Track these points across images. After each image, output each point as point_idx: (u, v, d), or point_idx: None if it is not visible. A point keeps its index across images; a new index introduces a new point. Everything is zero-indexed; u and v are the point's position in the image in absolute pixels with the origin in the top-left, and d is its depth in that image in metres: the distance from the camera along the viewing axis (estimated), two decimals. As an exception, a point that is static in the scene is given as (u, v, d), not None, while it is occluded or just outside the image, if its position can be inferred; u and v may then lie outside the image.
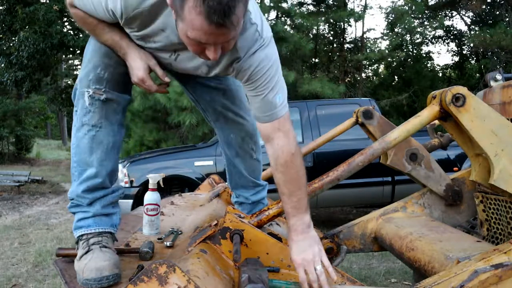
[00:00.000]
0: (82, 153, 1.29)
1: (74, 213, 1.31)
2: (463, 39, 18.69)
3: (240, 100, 1.62)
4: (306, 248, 1.14)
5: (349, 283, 1.09)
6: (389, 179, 5.23)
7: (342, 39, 17.38)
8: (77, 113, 1.32)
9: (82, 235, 1.25)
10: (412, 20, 17.18)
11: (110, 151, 1.32)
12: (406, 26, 17.12)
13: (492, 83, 1.95)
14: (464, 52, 19.39)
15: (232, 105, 1.58)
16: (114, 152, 1.34)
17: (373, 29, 40.45)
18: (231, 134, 1.62)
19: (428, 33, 19.44)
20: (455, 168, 4.85)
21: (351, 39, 18.03)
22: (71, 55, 18.74)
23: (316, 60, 16.68)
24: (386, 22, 19.89)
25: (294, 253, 1.16)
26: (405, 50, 18.71)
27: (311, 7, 15.61)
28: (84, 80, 1.30)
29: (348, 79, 15.95)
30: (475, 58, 18.62)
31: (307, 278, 1.10)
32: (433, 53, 28.64)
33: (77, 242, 1.26)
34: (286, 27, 11.23)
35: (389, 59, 17.48)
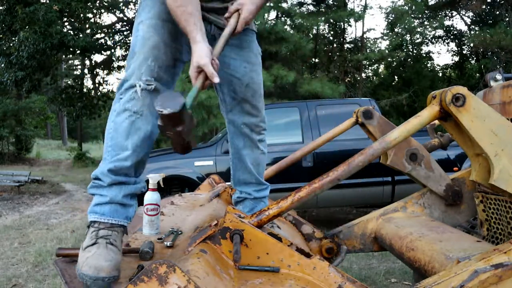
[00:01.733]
0: (119, 137, 1.33)
1: (92, 194, 1.33)
2: (463, 39, 18.70)
3: (260, 95, 1.66)
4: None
5: (349, 283, 1.09)
6: (389, 179, 5.23)
7: (342, 39, 17.40)
8: (121, 100, 1.37)
9: (94, 222, 1.26)
10: (412, 20, 17.20)
11: (146, 141, 1.35)
12: (406, 26, 17.14)
13: (492, 83, 1.95)
14: (464, 52, 19.40)
15: (251, 97, 1.63)
16: (148, 143, 1.37)
17: (373, 29, 40.51)
18: (242, 125, 1.67)
19: (428, 33, 19.46)
20: (455, 168, 4.85)
21: (351, 39, 18.06)
22: (71, 55, 18.72)
23: (316, 60, 16.69)
24: (386, 22, 19.92)
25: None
26: (405, 50, 18.73)
27: (311, 7, 15.63)
28: (136, 72, 1.36)
29: (348, 79, 15.97)
30: (475, 58, 18.63)
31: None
32: (433, 53, 28.70)
33: (88, 226, 1.27)
34: (286, 27, 11.24)
35: (389, 59, 17.50)
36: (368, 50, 17.52)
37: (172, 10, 1.35)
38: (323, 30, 17.24)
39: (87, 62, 18.78)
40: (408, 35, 18.75)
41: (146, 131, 1.35)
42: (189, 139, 1.18)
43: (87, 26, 15.93)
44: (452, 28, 19.62)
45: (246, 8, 1.40)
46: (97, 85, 18.13)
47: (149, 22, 1.42)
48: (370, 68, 19.94)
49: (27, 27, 11.92)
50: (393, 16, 17.65)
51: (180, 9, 1.33)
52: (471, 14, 17.80)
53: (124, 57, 16.24)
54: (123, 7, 16.76)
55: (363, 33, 17.02)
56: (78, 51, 14.04)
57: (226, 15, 1.43)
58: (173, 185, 4.92)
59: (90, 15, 16.35)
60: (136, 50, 1.40)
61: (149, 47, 1.38)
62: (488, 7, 16.54)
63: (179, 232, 1.55)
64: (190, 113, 1.16)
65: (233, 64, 1.59)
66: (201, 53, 1.29)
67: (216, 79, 1.28)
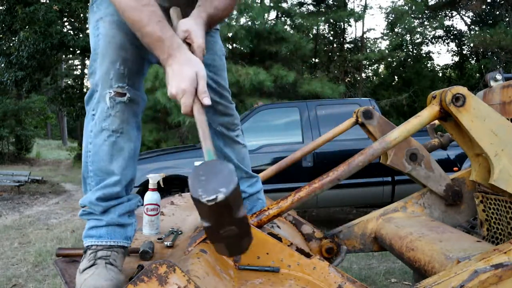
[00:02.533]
0: (101, 161, 1.20)
1: (86, 219, 1.24)
2: (463, 39, 18.71)
3: (227, 97, 1.61)
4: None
5: (349, 283, 1.09)
6: (389, 179, 5.23)
7: (342, 39, 17.42)
8: (95, 117, 1.20)
9: (91, 245, 1.18)
10: (412, 20, 17.22)
11: (131, 159, 1.25)
12: (406, 26, 17.16)
13: (492, 83, 1.95)
14: (464, 52, 19.41)
15: (220, 99, 1.57)
16: (134, 160, 1.26)
17: (373, 29, 40.60)
18: (219, 126, 1.61)
19: (428, 33, 19.48)
20: (455, 168, 4.85)
21: (351, 39, 18.08)
22: (71, 55, 18.76)
23: (316, 60, 16.70)
24: (386, 22, 19.93)
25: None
26: (405, 50, 18.75)
27: (311, 7, 15.65)
28: (105, 79, 1.18)
29: (348, 79, 15.97)
30: (475, 58, 18.63)
31: None
32: (433, 53, 28.75)
33: (85, 251, 1.19)
34: (286, 27, 11.24)
35: (389, 59, 17.52)
36: (368, 50, 17.54)
37: (134, 10, 1.07)
38: (323, 30, 17.27)
39: (87, 62, 18.79)
40: (408, 35, 18.76)
41: (130, 150, 1.23)
42: (247, 221, 0.82)
43: (87, 26, 15.95)
44: (452, 28, 19.63)
45: (195, 34, 1.14)
46: (97, 85, 18.11)
47: (110, 19, 1.22)
48: (370, 68, 19.96)
49: (27, 27, 11.94)
50: (393, 16, 17.67)
51: (148, 9, 1.08)
52: (471, 14, 17.81)
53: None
54: (123, 7, 16.76)
55: (363, 33, 17.04)
56: (78, 51, 14.06)
57: None
58: (173, 185, 4.92)
59: (90, 15, 16.34)
60: (99, 52, 1.20)
61: (115, 47, 1.19)
62: (488, 7, 16.54)
63: (179, 232, 1.55)
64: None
65: None
66: (200, 65, 1.08)
67: (208, 101, 1.06)
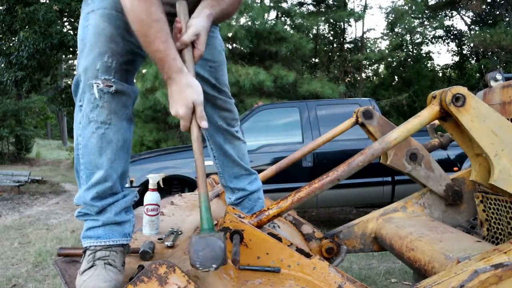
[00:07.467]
0: (91, 154, 1.18)
1: (83, 220, 1.24)
2: (463, 39, 18.70)
3: (227, 92, 1.60)
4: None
5: (349, 283, 1.09)
6: (389, 179, 5.23)
7: (342, 39, 17.40)
8: (83, 108, 1.18)
9: (90, 246, 1.19)
10: (412, 20, 17.21)
11: (120, 151, 1.22)
12: (406, 26, 17.16)
13: (492, 83, 1.95)
14: (464, 52, 19.40)
15: (219, 94, 1.56)
16: (124, 152, 1.24)
17: (373, 29, 40.69)
18: (219, 121, 1.60)
19: (428, 33, 19.48)
20: (455, 168, 4.85)
21: (351, 39, 18.06)
22: (71, 55, 18.70)
23: (316, 60, 16.70)
24: (386, 22, 19.94)
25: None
26: (405, 50, 18.74)
27: (311, 7, 15.64)
28: (90, 69, 1.15)
29: (348, 79, 15.96)
30: (475, 58, 18.62)
31: None
32: (433, 53, 28.77)
33: (84, 252, 1.20)
34: (286, 27, 11.24)
35: (389, 59, 17.50)
36: (368, 50, 17.52)
37: (143, 25, 1.08)
38: (323, 30, 17.26)
39: (87, 62, 18.73)
40: (408, 35, 18.75)
41: (118, 142, 1.21)
42: None
43: (87, 26, 15.92)
44: (452, 28, 19.62)
45: (202, 41, 1.18)
46: (97, 85, 18.08)
47: (102, 12, 1.19)
48: (370, 68, 19.94)
49: (27, 27, 11.93)
50: (393, 16, 17.66)
51: (157, 26, 1.08)
52: (471, 14, 17.80)
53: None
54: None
55: (363, 33, 17.04)
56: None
57: (178, 45, 1.15)
58: (173, 185, 4.92)
59: (90, 15, 16.32)
60: (87, 42, 1.18)
61: (104, 38, 1.17)
62: (488, 7, 16.53)
63: (179, 232, 1.55)
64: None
65: (198, 63, 1.44)
66: (198, 89, 1.11)
67: (205, 124, 1.11)
